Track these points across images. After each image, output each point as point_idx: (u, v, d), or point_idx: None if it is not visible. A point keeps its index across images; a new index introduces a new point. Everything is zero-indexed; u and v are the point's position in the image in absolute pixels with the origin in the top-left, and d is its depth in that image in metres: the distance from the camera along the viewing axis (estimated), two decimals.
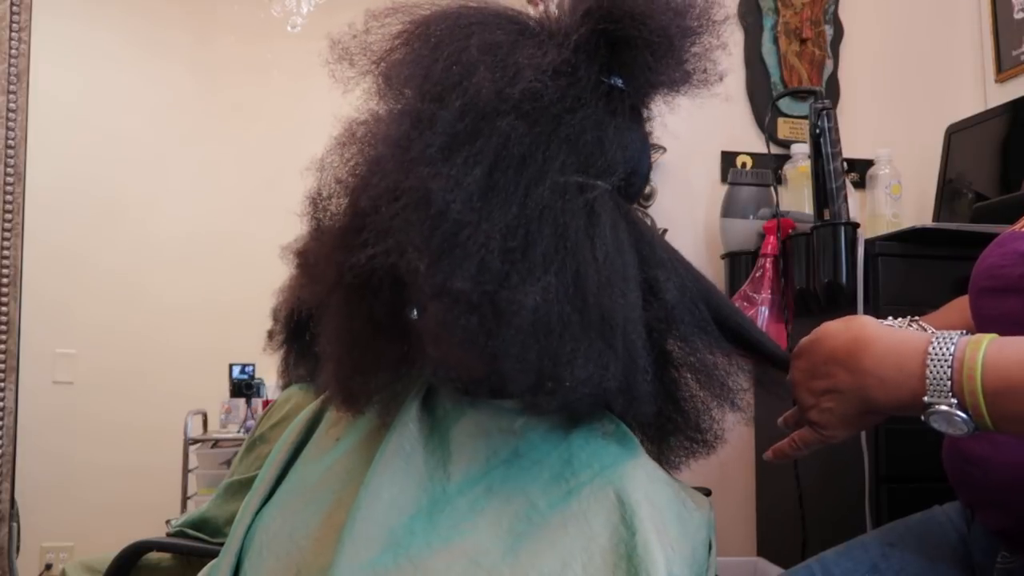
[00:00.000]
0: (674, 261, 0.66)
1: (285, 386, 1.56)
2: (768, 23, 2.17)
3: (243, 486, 1.45)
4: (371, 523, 0.57)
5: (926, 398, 0.60)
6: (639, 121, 0.66)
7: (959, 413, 0.59)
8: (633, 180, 0.65)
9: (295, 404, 1.48)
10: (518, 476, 0.59)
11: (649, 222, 1.79)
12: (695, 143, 2.10)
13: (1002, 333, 0.76)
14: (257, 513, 0.64)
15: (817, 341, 0.70)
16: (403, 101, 0.61)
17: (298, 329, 1.43)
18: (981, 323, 0.85)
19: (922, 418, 0.61)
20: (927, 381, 0.61)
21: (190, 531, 1.41)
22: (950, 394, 0.59)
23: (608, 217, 0.59)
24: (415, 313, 0.57)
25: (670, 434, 0.68)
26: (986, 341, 0.60)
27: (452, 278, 0.53)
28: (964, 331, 0.62)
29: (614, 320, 0.56)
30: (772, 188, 1.92)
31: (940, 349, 0.60)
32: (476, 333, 0.53)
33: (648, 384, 0.59)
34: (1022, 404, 0.57)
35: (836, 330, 0.69)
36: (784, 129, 2.15)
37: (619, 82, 0.62)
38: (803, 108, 2.12)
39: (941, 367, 0.60)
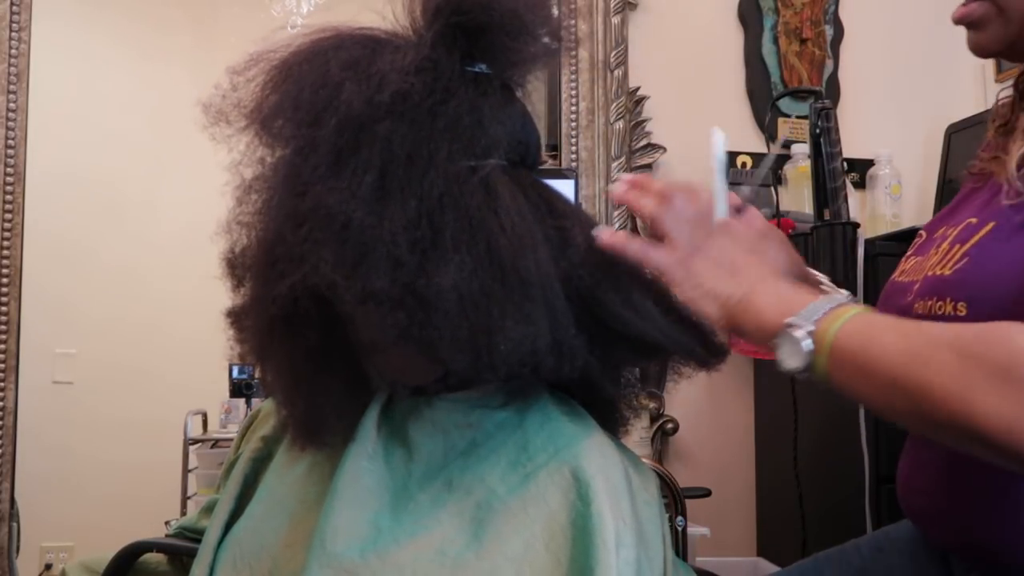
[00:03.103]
0: (576, 212, 0.69)
1: (268, 395, 1.55)
2: (768, 23, 2.17)
3: None
4: (339, 523, 0.59)
5: (789, 319, 0.63)
6: (512, 98, 0.68)
7: (806, 343, 0.61)
8: (524, 150, 0.68)
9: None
10: (476, 466, 0.61)
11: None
12: (695, 143, 2.09)
13: None
14: (226, 526, 0.66)
15: (771, 229, 0.77)
16: (282, 139, 0.63)
17: (262, 356, 1.43)
18: None
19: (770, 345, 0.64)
20: (804, 310, 0.63)
21: (189, 533, 1.41)
22: (811, 327, 0.62)
23: (506, 188, 0.61)
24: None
25: (606, 390, 0.69)
26: (853, 312, 0.63)
27: (369, 281, 0.55)
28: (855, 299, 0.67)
29: (532, 280, 0.58)
30: (772, 188, 1.92)
31: (826, 300, 0.64)
32: (407, 326, 0.56)
33: (574, 337, 0.61)
34: (852, 378, 0.61)
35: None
36: (784, 129, 2.14)
37: (483, 67, 0.64)
38: (803, 108, 2.11)
39: (820, 307, 0.63)
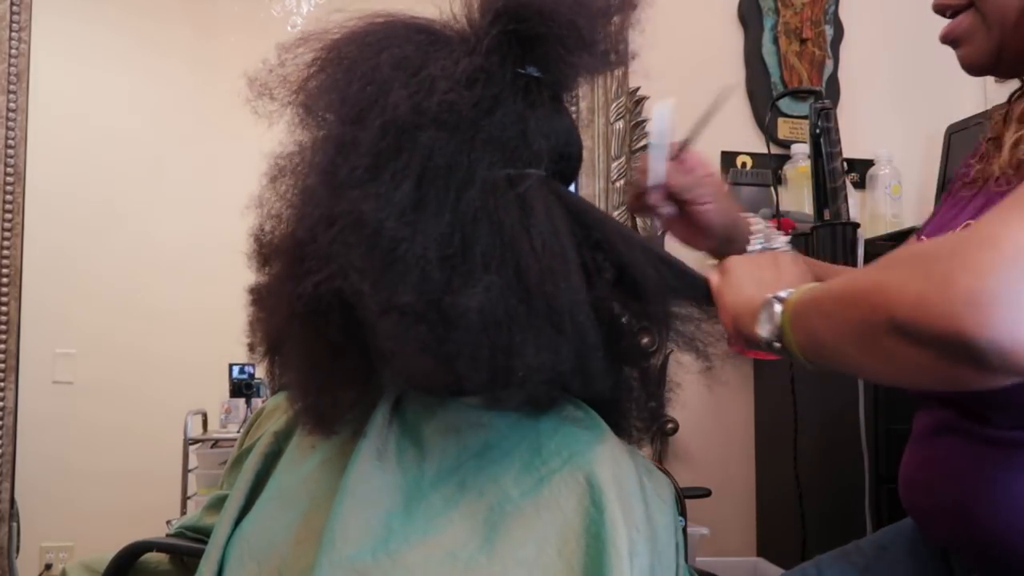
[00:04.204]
0: (614, 223, 0.69)
1: (274, 392, 1.55)
2: (768, 23, 2.17)
3: None
4: (349, 522, 0.58)
5: (773, 293, 0.65)
6: (560, 108, 0.67)
7: (777, 308, 0.64)
8: (566, 164, 0.67)
9: (282, 414, 1.47)
10: (490, 468, 0.61)
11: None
12: (695, 143, 2.09)
13: (912, 388, 0.84)
14: (236, 522, 0.66)
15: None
16: (325, 127, 0.62)
17: (276, 343, 1.43)
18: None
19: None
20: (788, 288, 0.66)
21: (189, 533, 1.40)
22: (785, 296, 0.64)
23: (542, 205, 0.60)
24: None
25: (628, 408, 0.70)
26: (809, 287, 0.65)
27: (396, 293, 0.55)
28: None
29: (559, 305, 0.58)
30: (772, 188, 1.92)
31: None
32: (427, 341, 0.55)
33: (601, 360, 0.60)
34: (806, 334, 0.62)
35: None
36: (784, 129, 2.14)
37: (534, 71, 0.63)
38: (803, 108, 2.11)
39: (801, 285, 0.66)
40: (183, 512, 2.42)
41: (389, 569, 0.56)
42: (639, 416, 0.71)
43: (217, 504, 1.51)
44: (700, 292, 0.72)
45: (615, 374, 0.65)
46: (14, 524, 1.92)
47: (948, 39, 0.81)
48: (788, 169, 2.06)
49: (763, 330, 0.64)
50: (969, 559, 0.79)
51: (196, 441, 2.60)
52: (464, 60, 0.60)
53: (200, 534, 1.44)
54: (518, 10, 0.61)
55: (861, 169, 2.11)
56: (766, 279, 0.69)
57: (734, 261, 0.73)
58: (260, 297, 0.68)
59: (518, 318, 0.56)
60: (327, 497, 0.61)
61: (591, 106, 2.06)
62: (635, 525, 0.57)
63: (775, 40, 2.17)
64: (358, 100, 0.59)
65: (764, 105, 2.09)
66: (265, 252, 0.68)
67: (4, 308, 1.92)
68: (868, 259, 1.50)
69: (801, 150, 2.00)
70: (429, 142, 0.57)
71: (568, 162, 0.67)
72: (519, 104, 0.61)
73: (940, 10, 0.81)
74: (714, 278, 0.73)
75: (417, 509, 0.59)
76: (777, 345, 0.64)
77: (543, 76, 0.64)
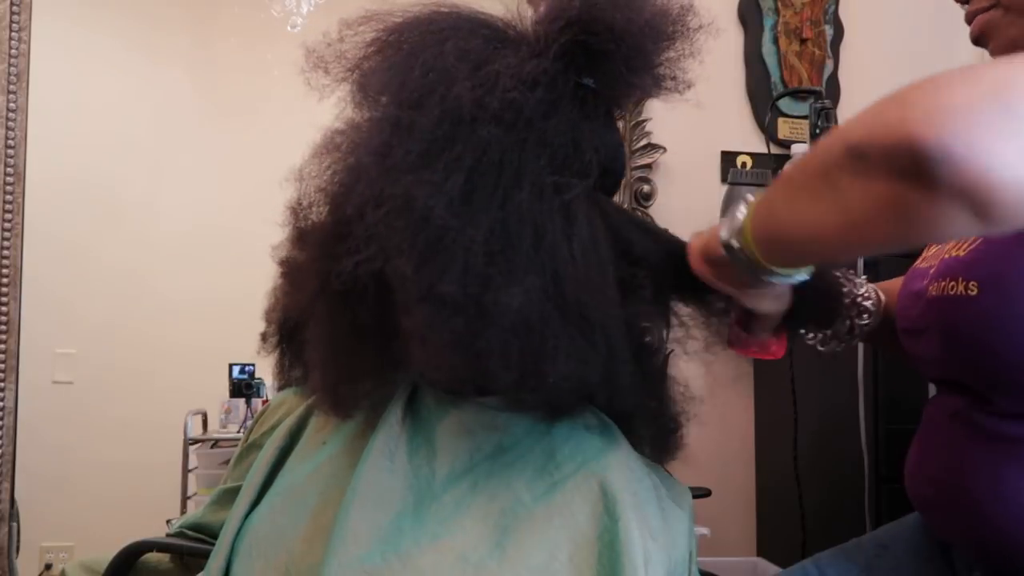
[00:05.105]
0: (657, 235, 0.69)
1: (281, 388, 1.55)
2: (768, 23, 2.17)
3: (236, 494, 1.45)
4: (359, 521, 0.58)
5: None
6: (612, 124, 0.67)
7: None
8: (612, 180, 0.67)
9: (288, 409, 1.47)
10: (503, 471, 0.60)
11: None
12: (695, 143, 2.10)
13: (925, 371, 0.83)
14: (245, 517, 0.65)
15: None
16: (379, 108, 0.61)
17: (292, 332, 1.43)
18: (909, 360, 0.86)
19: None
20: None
21: (190, 532, 1.40)
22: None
23: (584, 215, 0.60)
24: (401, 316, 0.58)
25: (647, 424, 0.69)
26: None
27: (439, 282, 0.54)
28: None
29: (593, 315, 0.58)
30: None
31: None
32: (462, 334, 0.55)
33: (629, 375, 0.60)
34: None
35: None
36: (784, 129, 2.15)
37: (591, 82, 0.63)
38: (803, 108, 2.12)
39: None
40: (183, 512, 2.42)
41: (399, 571, 0.55)
42: (655, 437, 0.71)
43: (221, 499, 1.52)
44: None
45: (641, 392, 0.64)
46: (14, 524, 1.92)
47: (977, 39, 0.81)
48: None
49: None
50: (971, 553, 0.79)
51: (196, 441, 2.60)
52: (531, 62, 0.59)
53: (202, 532, 1.44)
54: (590, 23, 0.61)
55: None
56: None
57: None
58: (291, 271, 0.68)
59: (551, 323, 0.56)
60: (337, 494, 0.61)
61: None
62: (650, 534, 0.57)
63: (775, 40, 2.17)
64: (419, 86, 0.58)
65: (764, 105, 2.09)
66: (301, 226, 0.67)
67: (4, 308, 1.93)
68: (868, 259, 1.50)
69: (801, 150, 2.00)
70: (486, 137, 0.57)
71: (611, 177, 0.67)
72: (575, 113, 0.61)
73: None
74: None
75: (428, 510, 0.59)
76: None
77: (601, 90, 0.64)
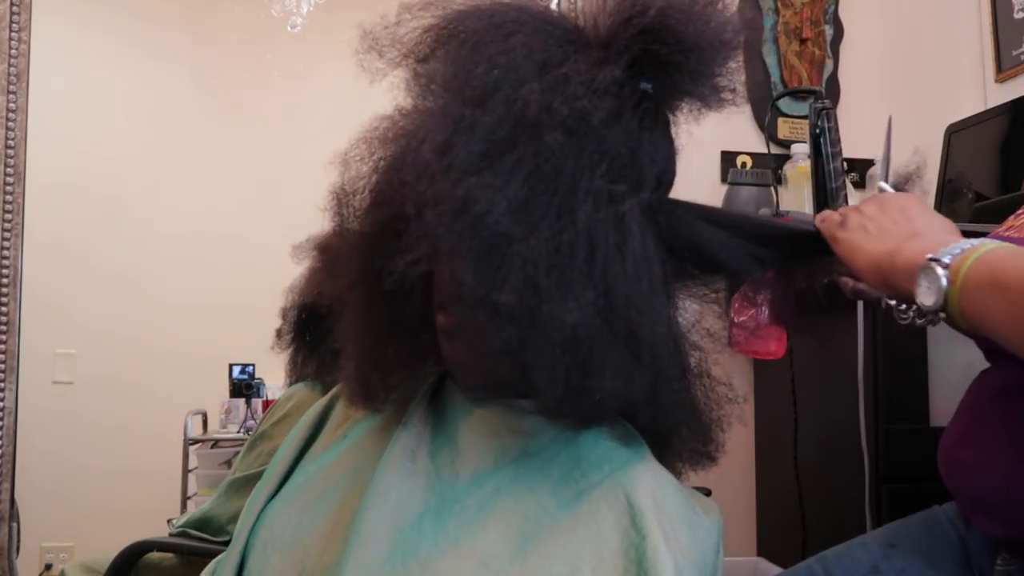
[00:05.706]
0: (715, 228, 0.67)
1: (292, 383, 1.56)
2: (768, 23, 2.17)
3: (245, 483, 1.45)
4: (379, 522, 0.56)
5: (931, 254, 0.63)
6: (669, 135, 0.66)
7: (943, 273, 0.61)
8: (664, 192, 0.66)
9: (297, 402, 1.48)
10: (528, 476, 0.59)
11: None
12: (695, 143, 2.09)
13: (992, 347, 0.79)
14: (262, 510, 0.64)
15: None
16: (436, 100, 0.59)
17: (307, 326, 1.43)
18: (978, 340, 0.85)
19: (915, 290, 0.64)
20: (944, 248, 0.63)
21: (192, 531, 1.41)
22: (948, 261, 0.62)
23: (638, 228, 0.58)
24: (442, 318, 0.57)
25: (681, 442, 0.67)
26: (991, 246, 0.62)
27: (498, 291, 0.52)
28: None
29: (642, 333, 0.56)
30: (772, 188, 1.92)
31: (968, 241, 0.64)
32: (513, 345, 0.53)
33: (674, 395, 0.59)
34: (984, 300, 0.60)
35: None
36: (784, 129, 2.15)
37: (649, 87, 0.61)
38: (803, 108, 2.11)
39: (961, 245, 0.63)
40: (183, 512, 2.42)
41: (417, 575, 0.54)
42: (689, 457, 0.69)
43: (229, 490, 1.52)
44: (814, 248, 0.72)
45: (684, 412, 0.63)
46: (14, 524, 1.92)
47: None
48: (788, 169, 2.06)
49: (926, 298, 0.62)
50: (1001, 528, 0.78)
51: (196, 441, 2.60)
52: (603, 69, 0.57)
53: (208, 526, 1.44)
54: (662, 32, 0.59)
55: (861, 169, 2.11)
56: (900, 228, 0.68)
57: (853, 208, 0.72)
58: (329, 258, 0.66)
59: (600, 340, 0.54)
60: (356, 491, 0.59)
61: None
62: (680, 550, 0.55)
63: (775, 40, 2.17)
64: (483, 82, 0.56)
65: (764, 105, 2.09)
66: (344, 213, 0.65)
67: (4, 308, 1.92)
68: None
69: (801, 150, 2.00)
70: (550, 143, 0.55)
71: (663, 189, 0.65)
72: (635, 123, 0.60)
73: None
74: (829, 226, 0.72)
75: (449, 512, 0.58)
76: (942, 316, 0.62)
77: (662, 99, 0.63)
